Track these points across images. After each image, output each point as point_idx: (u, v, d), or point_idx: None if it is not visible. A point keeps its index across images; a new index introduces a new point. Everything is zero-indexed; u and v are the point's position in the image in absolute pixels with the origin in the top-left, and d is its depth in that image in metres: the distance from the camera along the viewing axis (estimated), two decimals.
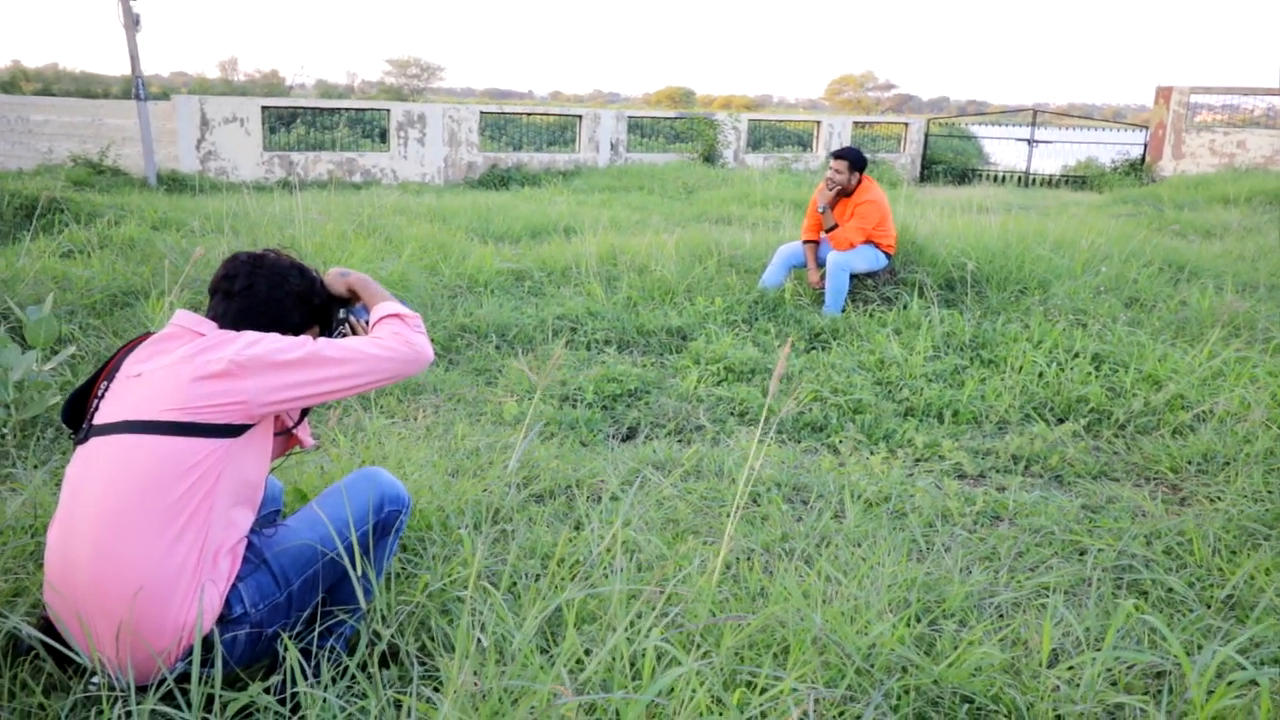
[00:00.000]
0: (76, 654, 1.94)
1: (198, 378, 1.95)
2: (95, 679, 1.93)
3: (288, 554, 2.10)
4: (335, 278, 2.42)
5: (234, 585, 2.02)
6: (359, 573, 2.09)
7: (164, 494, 1.90)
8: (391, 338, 2.21)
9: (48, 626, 2.03)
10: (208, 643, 1.93)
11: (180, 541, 1.91)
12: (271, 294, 2.20)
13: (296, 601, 2.11)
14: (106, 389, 2.06)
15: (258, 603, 2.03)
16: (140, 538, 1.89)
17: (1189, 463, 4.03)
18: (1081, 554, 3.20)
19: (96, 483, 1.93)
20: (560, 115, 19.30)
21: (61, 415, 2.14)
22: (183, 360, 1.99)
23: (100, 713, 1.87)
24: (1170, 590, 2.92)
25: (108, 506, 1.90)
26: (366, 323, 2.41)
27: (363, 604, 2.09)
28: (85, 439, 2.01)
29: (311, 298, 2.29)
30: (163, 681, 1.92)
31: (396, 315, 2.32)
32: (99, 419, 2.01)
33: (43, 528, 2.59)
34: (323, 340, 2.13)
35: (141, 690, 1.91)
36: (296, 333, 2.24)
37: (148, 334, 2.15)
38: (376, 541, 2.25)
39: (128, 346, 2.13)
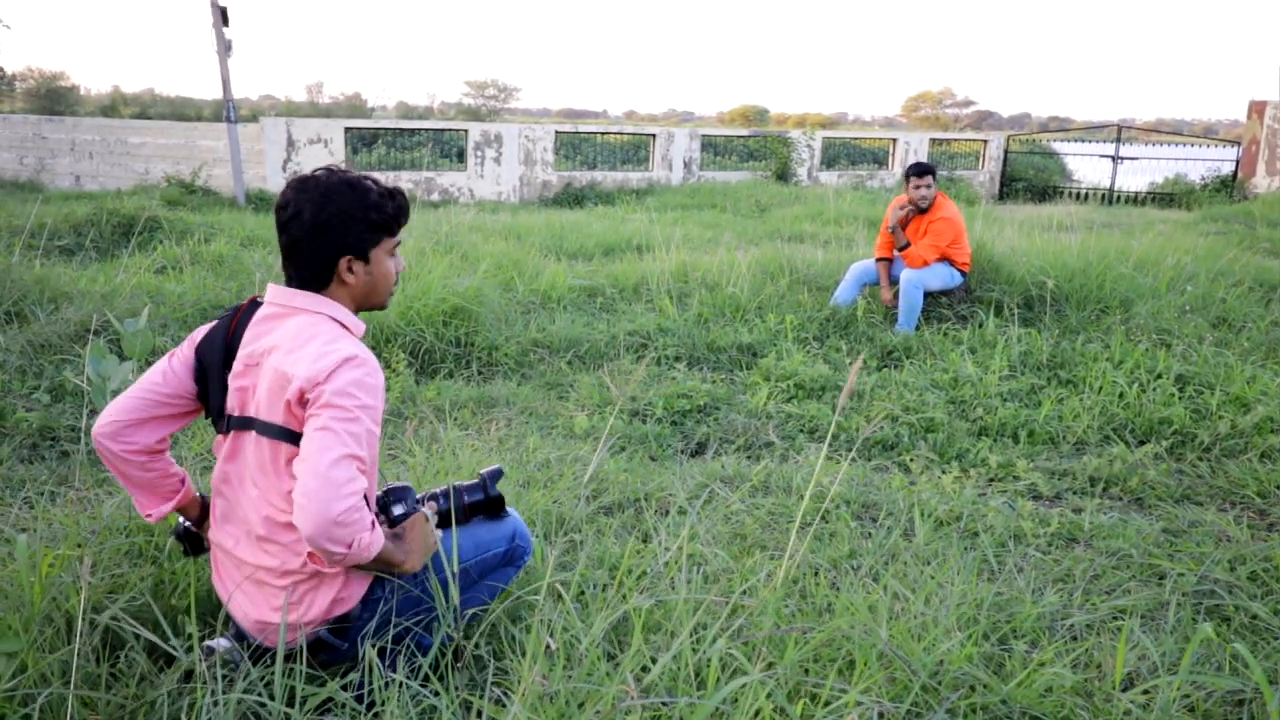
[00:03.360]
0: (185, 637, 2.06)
1: (284, 396, 2.00)
2: (219, 642, 2.14)
3: (433, 558, 2.24)
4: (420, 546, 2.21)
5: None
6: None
7: None
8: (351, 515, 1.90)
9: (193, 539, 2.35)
10: (348, 618, 2.13)
11: None
12: (317, 217, 2.08)
13: (425, 600, 2.23)
14: (229, 372, 2.14)
15: (394, 590, 2.19)
16: (299, 540, 2.05)
17: (1278, 487, 3.90)
18: (1160, 578, 3.12)
19: (250, 483, 2.10)
20: (634, 134, 19.48)
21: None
22: (281, 361, 2.03)
23: (228, 677, 2.04)
24: (1254, 617, 2.83)
25: (265, 508, 2.07)
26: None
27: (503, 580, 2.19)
28: (227, 430, 2.13)
29: (366, 213, 2.12)
30: (267, 652, 2.12)
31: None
32: (234, 408, 2.11)
33: (136, 529, 2.73)
34: (362, 429, 1.97)
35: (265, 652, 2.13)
36: (358, 252, 2.14)
37: (255, 302, 2.20)
38: (502, 567, 2.41)
39: (238, 316, 2.18)
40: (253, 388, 2.07)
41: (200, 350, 2.18)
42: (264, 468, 2.06)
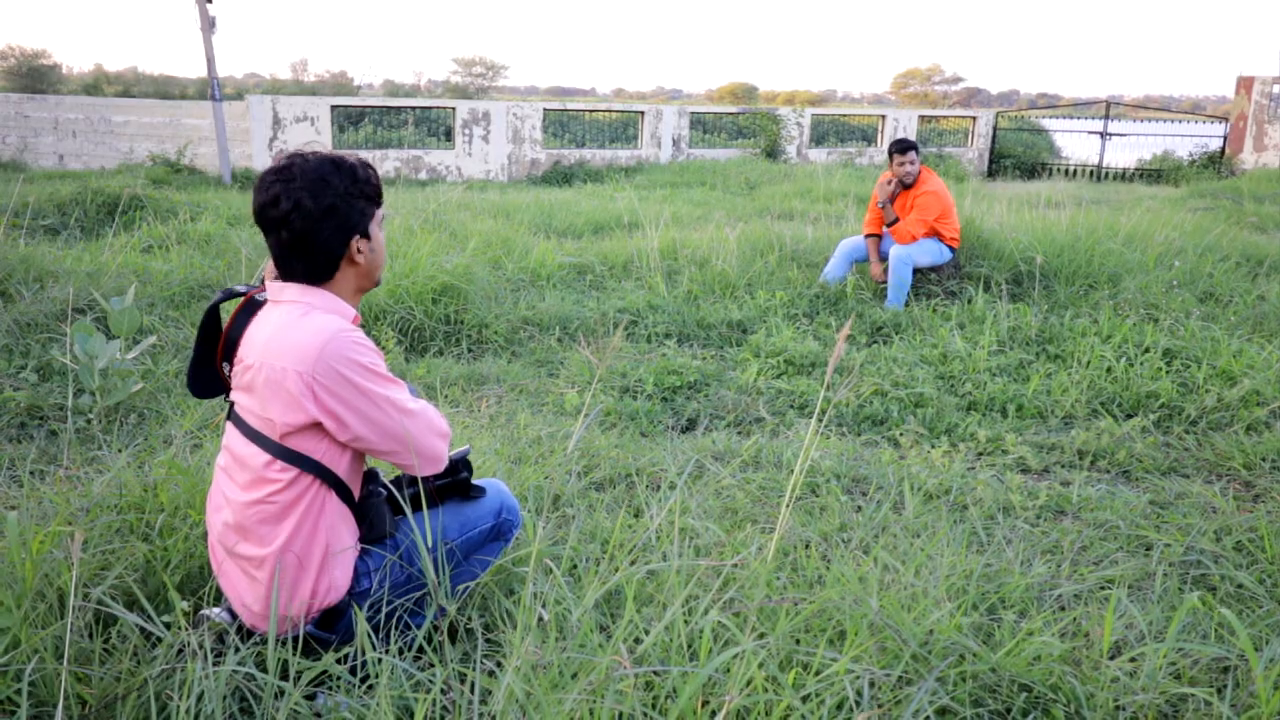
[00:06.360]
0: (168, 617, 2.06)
1: (271, 396, 2.00)
2: (214, 612, 2.16)
3: (414, 540, 2.23)
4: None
5: (364, 561, 2.17)
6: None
7: (295, 504, 2.05)
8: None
9: None
10: (337, 610, 2.12)
11: (308, 533, 2.07)
12: (321, 203, 2.01)
13: (415, 581, 2.23)
14: (232, 366, 2.13)
15: (384, 579, 2.18)
16: (274, 535, 2.05)
17: (1263, 459, 3.93)
18: (1148, 549, 3.15)
19: (234, 474, 2.09)
20: (623, 112, 19.37)
21: (189, 385, 2.23)
22: (271, 360, 2.01)
23: (220, 653, 2.09)
24: (1240, 586, 2.86)
25: (249, 511, 2.06)
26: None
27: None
28: (230, 414, 2.13)
29: (362, 188, 2.08)
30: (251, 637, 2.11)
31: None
32: (236, 398, 2.10)
33: (127, 506, 2.73)
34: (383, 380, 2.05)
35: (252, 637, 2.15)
36: (363, 230, 2.10)
37: (252, 301, 2.15)
38: (490, 541, 2.41)
39: (236, 311, 2.16)
40: (245, 387, 2.06)
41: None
42: (243, 466, 2.07)
